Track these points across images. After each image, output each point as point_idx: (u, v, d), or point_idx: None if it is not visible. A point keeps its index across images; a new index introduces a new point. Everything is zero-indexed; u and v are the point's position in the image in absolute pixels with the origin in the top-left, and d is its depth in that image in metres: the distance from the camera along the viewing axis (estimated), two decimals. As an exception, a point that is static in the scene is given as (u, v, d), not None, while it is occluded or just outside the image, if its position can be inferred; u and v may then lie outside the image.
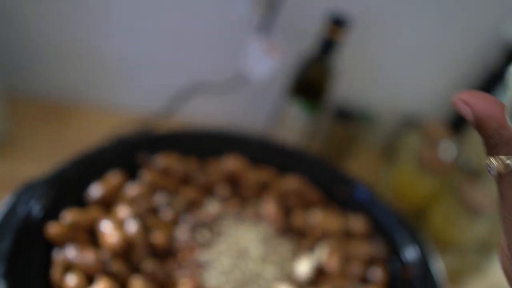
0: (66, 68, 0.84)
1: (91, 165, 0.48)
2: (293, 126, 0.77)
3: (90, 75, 0.86)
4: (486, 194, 0.73)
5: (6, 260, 0.37)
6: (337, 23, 0.66)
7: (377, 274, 0.50)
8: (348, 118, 0.90)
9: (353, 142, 0.93)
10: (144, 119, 0.85)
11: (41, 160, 0.76)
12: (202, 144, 0.56)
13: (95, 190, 0.46)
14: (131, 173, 0.50)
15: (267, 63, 0.68)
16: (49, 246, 0.41)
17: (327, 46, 0.69)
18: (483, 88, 0.92)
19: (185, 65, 0.84)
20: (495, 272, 0.91)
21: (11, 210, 0.40)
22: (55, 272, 0.39)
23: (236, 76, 0.76)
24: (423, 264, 0.51)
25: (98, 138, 0.83)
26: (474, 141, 0.80)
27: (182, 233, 0.46)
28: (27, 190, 0.43)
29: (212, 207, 0.50)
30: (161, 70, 0.85)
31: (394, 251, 0.52)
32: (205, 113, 0.84)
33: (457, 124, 0.95)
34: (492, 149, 0.22)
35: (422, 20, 0.84)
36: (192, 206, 0.50)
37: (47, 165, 0.75)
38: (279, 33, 0.75)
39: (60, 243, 0.41)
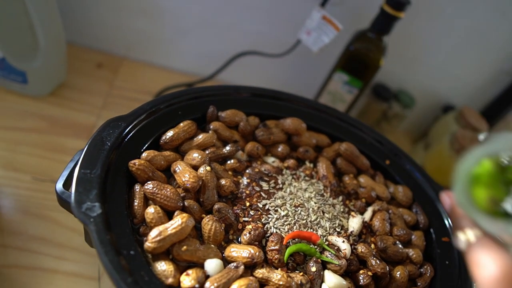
0: (121, 20, 0.86)
1: (166, 113, 0.50)
2: (336, 98, 0.78)
3: (145, 31, 0.87)
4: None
5: (98, 184, 0.40)
6: (396, 4, 0.66)
7: (418, 238, 0.52)
8: (386, 97, 0.91)
9: (388, 121, 0.94)
10: (194, 80, 0.87)
11: (92, 104, 0.80)
12: (263, 104, 0.58)
13: (170, 134, 0.48)
14: (201, 126, 0.53)
15: (324, 35, 0.69)
16: (131, 182, 0.44)
17: (383, 25, 0.70)
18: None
19: (242, 32, 0.85)
20: None
21: (100, 141, 0.43)
22: (137, 203, 0.42)
23: (292, 45, 0.77)
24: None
25: (148, 90, 0.86)
26: (509, 131, 0.81)
27: (246, 181, 0.49)
28: (112, 125, 0.45)
29: (273, 163, 0.53)
30: (217, 34, 0.87)
31: (434, 219, 0.55)
32: (255, 80, 0.86)
33: (491, 115, 0.96)
34: (456, 228, 0.32)
35: (474, 12, 0.84)
36: (254, 160, 0.53)
37: (97, 109, 0.78)
38: (337, 8, 0.75)
39: (142, 180, 0.44)
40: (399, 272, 0.47)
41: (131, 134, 0.46)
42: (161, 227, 0.39)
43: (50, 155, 0.70)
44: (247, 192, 0.47)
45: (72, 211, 0.38)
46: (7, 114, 0.72)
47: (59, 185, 0.42)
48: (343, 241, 0.46)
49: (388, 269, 0.46)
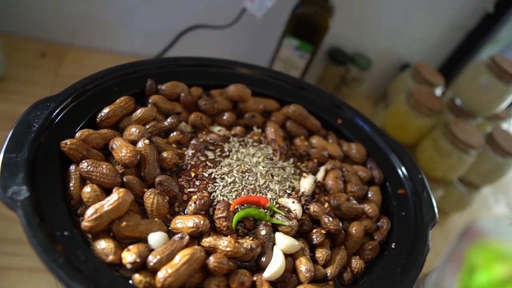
0: (61, 6, 0.82)
1: (101, 90, 0.48)
2: (289, 65, 0.77)
3: (87, 15, 0.84)
4: (475, 132, 0.75)
5: (25, 168, 0.37)
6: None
7: (374, 193, 0.52)
8: (342, 60, 0.90)
9: (346, 84, 0.94)
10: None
11: (36, 95, 0.76)
12: (206, 74, 0.56)
13: (106, 111, 0.46)
14: (140, 101, 0.51)
15: (268, 0, 0.67)
16: (66, 163, 0.42)
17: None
18: (473, 38, 0.92)
19: (187, 7, 0.83)
20: (477, 209, 0.96)
21: (26, 124, 0.41)
22: (73, 184, 0.40)
23: (238, 14, 0.75)
24: (416, 184, 0.53)
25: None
26: (464, 85, 0.81)
27: (190, 152, 0.47)
28: (40, 107, 0.43)
29: (219, 131, 0.51)
30: (162, 12, 0.84)
31: (389, 173, 0.55)
32: (205, 55, 0.84)
33: (447, 70, 0.97)
34: None
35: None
36: (199, 130, 0.51)
37: (40, 98, 0.75)
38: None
39: (76, 159, 0.42)
40: (354, 228, 0.46)
41: (62, 114, 0.44)
42: (97, 205, 0.37)
43: (-5, 151, 0.66)
44: (192, 163, 0.46)
45: (0, 197, 0.36)
46: None
47: (-9, 175, 0.40)
48: (293, 202, 0.45)
49: (341, 225, 0.45)
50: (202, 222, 0.39)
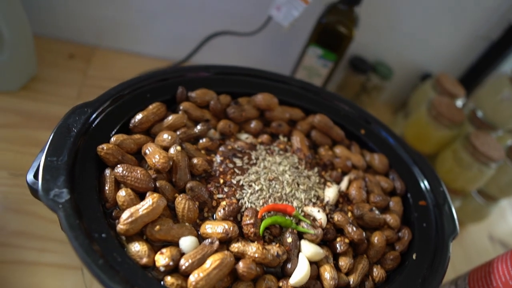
0: (88, 9, 0.84)
1: (134, 96, 0.50)
2: (312, 73, 0.78)
3: (114, 17, 0.86)
4: (496, 144, 0.75)
5: (65, 171, 0.39)
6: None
7: (395, 204, 0.53)
8: (363, 69, 0.91)
9: (367, 92, 0.95)
10: (168, 65, 0.86)
11: (66, 95, 0.79)
12: (234, 82, 0.57)
13: (139, 117, 0.48)
14: (171, 108, 0.52)
15: (293, 9, 0.68)
16: (101, 167, 0.44)
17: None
18: (496, 49, 0.92)
19: (213, 13, 0.84)
20: (494, 221, 0.95)
21: (65, 129, 0.43)
22: (108, 188, 0.42)
23: (263, 22, 0.76)
24: (438, 196, 0.54)
25: (122, 78, 0.85)
26: (485, 97, 0.82)
27: (219, 159, 0.49)
28: (78, 112, 0.45)
29: (246, 139, 0.53)
30: (188, 17, 0.85)
31: (411, 184, 0.55)
32: (229, 61, 0.86)
33: (469, 81, 0.97)
34: None
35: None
36: (227, 138, 0.52)
37: (71, 100, 0.78)
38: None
39: (111, 164, 0.43)
40: (376, 238, 0.47)
41: (98, 119, 0.46)
42: (132, 209, 0.39)
43: (26, 149, 0.69)
44: (221, 169, 0.47)
45: (40, 199, 0.38)
46: (-21, 112, 0.71)
47: (30, 176, 0.42)
48: (319, 211, 0.46)
49: (365, 235, 0.46)
50: (231, 228, 0.40)
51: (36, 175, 0.42)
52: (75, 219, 0.36)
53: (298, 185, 0.48)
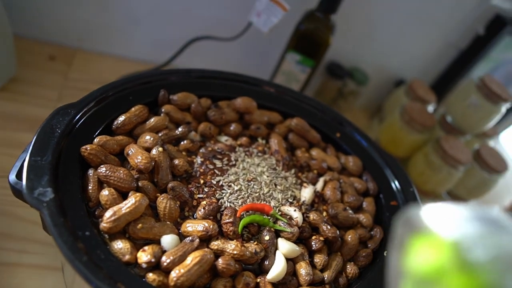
0: (71, 11, 0.84)
1: (117, 98, 0.51)
2: (290, 78, 0.81)
3: (97, 20, 0.86)
4: (464, 148, 0.79)
5: (49, 170, 0.40)
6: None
7: (368, 204, 0.55)
8: (340, 75, 0.94)
9: (343, 97, 0.98)
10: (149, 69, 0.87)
11: (46, 97, 0.79)
12: (214, 86, 0.59)
13: (122, 119, 0.49)
14: (153, 110, 0.54)
15: (273, 16, 0.71)
16: (84, 167, 0.45)
17: (330, 3, 0.72)
18: (465, 58, 0.97)
19: (195, 18, 0.86)
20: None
21: (49, 129, 0.44)
22: (91, 187, 0.43)
23: (244, 28, 0.78)
24: (408, 197, 0.57)
25: (103, 81, 0.86)
26: (454, 103, 0.86)
27: (199, 160, 0.50)
28: (62, 113, 0.46)
29: (226, 141, 0.55)
30: (170, 21, 0.87)
31: (383, 185, 0.58)
32: (209, 65, 0.87)
33: (439, 88, 1.01)
34: None
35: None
36: (208, 140, 0.54)
37: (52, 102, 0.78)
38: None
39: (94, 164, 0.44)
40: (350, 236, 0.50)
41: (82, 120, 0.47)
42: (115, 207, 0.40)
43: (6, 151, 0.69)
44: (201, 170, 0.49)
45: (24, 198, 0.39)
46: (-44, 113, 0.71)
47: (12, 176, 0.42)
48: (295, 210, 0.48)
49: (338, 233, 0.49)
50: (211, 226, 0.42)
51: (18, 176, 0.43)
52: (60, 217, 0.37)
53: (276, 185, 0.50)
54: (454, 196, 0.87)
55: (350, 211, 0.52)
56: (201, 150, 0.52)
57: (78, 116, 0.47)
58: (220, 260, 0.40)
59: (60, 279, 0.56)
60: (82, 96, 0.53)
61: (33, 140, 0.42)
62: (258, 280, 0.42)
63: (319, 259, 0.46)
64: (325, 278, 0.46)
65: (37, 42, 0.88)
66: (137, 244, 0.41)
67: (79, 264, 0.35)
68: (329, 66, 0.95)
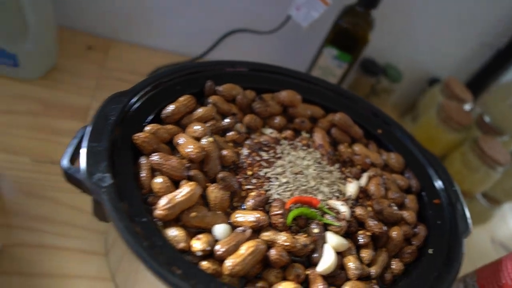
0: (107, 2, 0.85)
1: (166, 88, 0.52)
2: (326, 72, 0.80)
3: (132, 12, 0.87)
4: (502, 149, 0.78)
5: (106, 157, 0.41)
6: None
7: (410, 201, 0.55)
8: (374, 71, 0.93)
9: (376, 94, 0.97)
10: (184, 61, 0.87)
11: (85, 86, 0.80)
12: (258, 79, 0.59)
13: (171, 108, 0.49)
14: (198, 101, 0.54)
15: (313, 10, 0.70)
16: (136, 155, 0.45)
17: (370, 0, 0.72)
18: (502, 57, 0.95)
19: (231, 10, 0.86)
20: (496, 224, 0.98)
21: (104, 116, 0.44)
22: (144, 174, 0.43)
23: (282, 22, 0.78)
24: (451, 196, 0.56)
25: (139, 71, 0.86)
26: (493, 102, 0.84)
27: (246, 152, 0.51)
28: (115, 101, 0.46)
29: (270, 134, 0.55)
30: (206, 13, 0.87)
31: (426, 183, 0.58)
32: (245, 59, 0.87)
33: (474, 87, 0.99)
34: None
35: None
36: (253, 132, 0.54)
37: (90, 91, 0.79)
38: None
39: (147, 152, 0.45)
40: (395, 232, 0.49)
41: (133, 109, 0.47)
42: (169, 195, 0.40)
43: (47, 137, 0.70)
44: (248, 162, 0.49)
45: (83, 183, 0.40)
46: (0, 98, 0.72)
47: (65, 161, 0.43)
48: (342, 204, 0.48)
49: (385, 228, 0.48)
50: (263, 218, 0.42)
51: (71, 160, 0.44)
52: (119, 202, 0.38)
53: (322, 179, 0.50)
54: (490, 198, 0.86)
55: (395, 207, 0.51)
56: (247, 142, 0.52)
57: (130, 104, 0.47)
58: (272, 251, 0.41)
59: (103, 264, 0.57)
60: (118, 86, 0.54)
61: (91, 126, 0.43)
62: (308, 272, 0.42)
63: (366, 254, 0.46)
64: (372, 273, 0.45)
65: (75, 32, 0.89)
66: (190, 232, 0.41)
67: (140, 249, 0.35)
68: (363, 62, 0.94)
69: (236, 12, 0.86)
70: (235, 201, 0.46)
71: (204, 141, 0.47)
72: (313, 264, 0.44)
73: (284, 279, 0.41)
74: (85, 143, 0.41)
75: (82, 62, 0.85)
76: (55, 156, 0.67)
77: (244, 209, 0.45)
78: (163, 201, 0.40)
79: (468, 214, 0.55)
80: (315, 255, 0.44)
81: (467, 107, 0.89)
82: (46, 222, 0.60)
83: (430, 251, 0.50)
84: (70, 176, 0.42)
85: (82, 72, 0.82)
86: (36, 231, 0.59)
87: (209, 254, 0.40)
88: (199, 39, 0.89)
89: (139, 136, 0.44)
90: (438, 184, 0.58)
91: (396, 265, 0.48)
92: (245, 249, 0.39)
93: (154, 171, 0.44)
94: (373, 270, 0.46)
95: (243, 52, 0.89)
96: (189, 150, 0.45)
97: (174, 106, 0.50)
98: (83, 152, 0.40)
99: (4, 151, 0.65)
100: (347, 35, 0.76)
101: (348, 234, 0.48)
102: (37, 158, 0.66)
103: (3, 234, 0.57)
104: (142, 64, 0.89)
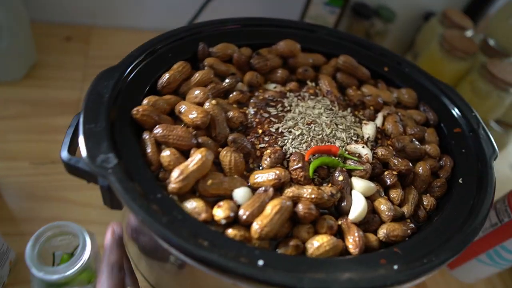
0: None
1: (156, 57, 0.48)
2: (318, 21, 0.76)
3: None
4: None
5: (107, 136, 0.38)
6: None
7: (430, 134, 0.52)
8: (367, 14, 0.89)
9: (372, 38, 0.93)
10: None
11: (71, 79, 0.76)
12: (251, 34, 0.55)
13: (167, 77, 0.46)
14: (193, 66, 0.50)
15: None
16: (138, 131, 0.42)
17: None
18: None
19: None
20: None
21: (96, 95, 0.41)
22: (150, 150, 0.40)
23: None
24: (472, 122, 0.53)
25: (122, 53, 0.82)
26: (497, 24, 0.80)
27: (253, 111, 0.47)
28: (105, 78, 0.43)
29: (274, 88, 0.51)
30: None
31: (443, 114, 0.55)
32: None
33: (474, 13, 0.95)
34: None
35: None
36: (256, 89, 0.51)
37: (78, 83, 0.75)
38: None
39: (149, 125, 0.42)
40: (421, 168, 0.47)
41: (126, 83, 0.44)
42: (181, 166, 0.37)
43: (42, 137, 0.67)
44: (257, 120, 0.46)
45: (87, 171, 0.37)
46: (-14, 105, 0.69)
47: (64, 153, 0.40)
48: (363, 147, 0.45)
49: (411, 165, 0.46)
50: (283, 173, 0.39)
51: (70, 150, 0.41)
52: (128, 182, 0.35)
53: (337, 125, 0.47)
54: (504, 123, 0.83)
55: (417, 142, 0.48)
56: (251, 100, 0.48)
57: (122, 78, 0.44)
58: (300, 206, 0.38)
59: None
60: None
61: (84, 108, 0.39)
62: (340, 222, 0.40)
63: (395, 193, 0.44)
64: (405, 213, 0.43)
65: (50, 24, 0.85)
66: (209, 201, 0.38)
67: (159, 227, 0.33)
68: (354, 6, 0.90)
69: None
70: (250, 162, 0.43)
71: (207, 104, 0.43)
72: (343, 213, 0.41)
73: (317, 233, 0.39)
74: (81, 127, 0.38)
75: (63, 54, 0.81)
76: (53, 155, 0.64)
77: (262, 169, 0.42)
78: (175, 174, 0.37)
79: (491, 137, 0.52)
80: (343, 203, 0.41)
81: (469, 34, 0.85)
82: (59, 222, 0.57)
83: (460, 180, 0.47)
84: (72, 167, 0.39)
85: (65, 65, 0.78)
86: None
87: (233, 221, 0.37)
88: (181, 11, 0.84)
89: (138, 110, 0.41)
90: (456, 112, 0.55)
91: (427, 200, 0.45)
92: (270, 209, 0.36)
93: (160, 144, 0.41)
94: (406, 209, 0.43)
95: (231, 14, 0.84)
96: (193, 116, 0.42)
97: (168, 74, 0.46)
98: (81, 136, 0.37)
99: (1, 159, 0.62)
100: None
101: (373, 176, 0.45)
102: (36, 161, 0.63)
103: (16, 243, 0.54)
104: (127, 46, 0.84)
